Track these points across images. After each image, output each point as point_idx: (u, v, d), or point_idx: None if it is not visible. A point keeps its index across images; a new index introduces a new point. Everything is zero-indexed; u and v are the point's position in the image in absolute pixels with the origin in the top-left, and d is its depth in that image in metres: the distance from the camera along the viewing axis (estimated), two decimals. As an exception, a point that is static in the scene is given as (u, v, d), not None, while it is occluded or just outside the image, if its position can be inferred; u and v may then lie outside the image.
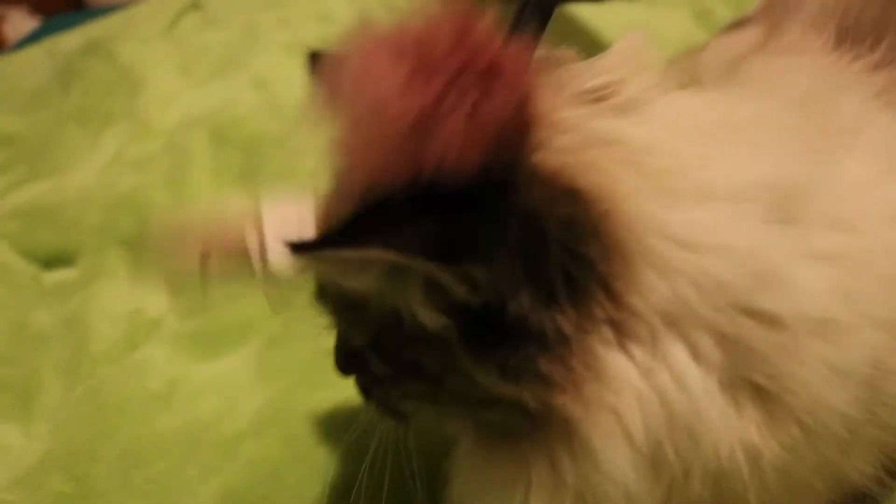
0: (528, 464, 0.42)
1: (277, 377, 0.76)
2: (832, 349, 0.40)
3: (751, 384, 0.40)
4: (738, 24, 0.67)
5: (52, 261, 1.03)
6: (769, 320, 0.39)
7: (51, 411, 0.82)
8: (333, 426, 0.68)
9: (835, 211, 0.42)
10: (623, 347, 0.40)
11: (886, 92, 0.53)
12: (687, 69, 0.57)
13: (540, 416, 0.40)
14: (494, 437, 0.44)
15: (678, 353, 0.40)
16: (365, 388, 0.51)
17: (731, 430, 0.40)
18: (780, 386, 0.39)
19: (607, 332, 0.39)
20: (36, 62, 1.59)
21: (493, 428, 0.44)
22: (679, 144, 0.42)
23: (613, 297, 0.39)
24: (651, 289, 0.39)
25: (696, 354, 0.40)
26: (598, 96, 0.44)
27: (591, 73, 0.44)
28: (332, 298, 0.46)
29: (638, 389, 0.39)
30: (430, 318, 0.40)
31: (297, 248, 0.39)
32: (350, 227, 0.39)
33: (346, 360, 0.51)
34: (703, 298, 0.39)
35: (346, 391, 0.70)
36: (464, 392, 0.42)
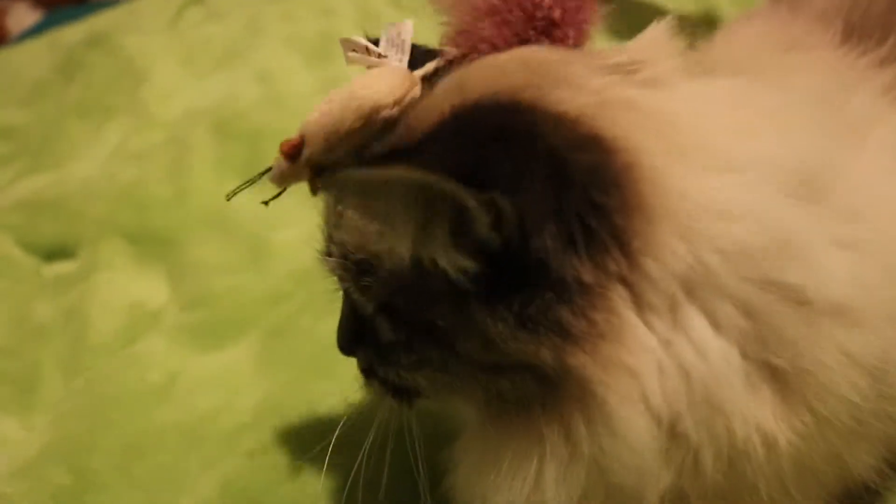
0: (542, 435, 0.41)
1: (277, 370, 0.76)
2: (848, 337, 0.40)
3: (768, 366, 0.40)
4: (744, 20, 0.66)
5: (54, 253, 1.03)
6: (793, 295, 0.39)
7: (51, 404, 0.82)
8: (333, 418, 0.68)
9: (852, 202, 0.43)
10: (640, 314, 0.39)
11: (894, 88, 0.53)
12: (697, 62, 0.57)
13: (555, 379, 0.40)
14: (505, 409, 0.44)
15: (699, 323, 0.39)
16: (368, 368, 0.51)
17: (750, 407, 0.40)
18: (798, 368, 0.39)
19: (624, 293, 0.39)
20: (38, 55, 1.60)
21: (505, 398, 0.43)
22: (702, 118, 0.43)
23: (629, 254, 0.39)
24: (671, 253, 0.39)
25: (718, 325, 0.39)
26: (624, 71, 0.44)
27: (619, 52, 0.45)
28: (349, 260, 0.46)
29: (657, 356, 0.39)
30: (453, 260, 0.40)
31: (331, 171, 0.39)
32: (384, 155, 0.40)
33: (351, 337, 0.51)
34: (728, 266, 0.39)
35: (345, 383, 0.70)
36: (476, 356, 0.42)
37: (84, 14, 1.76)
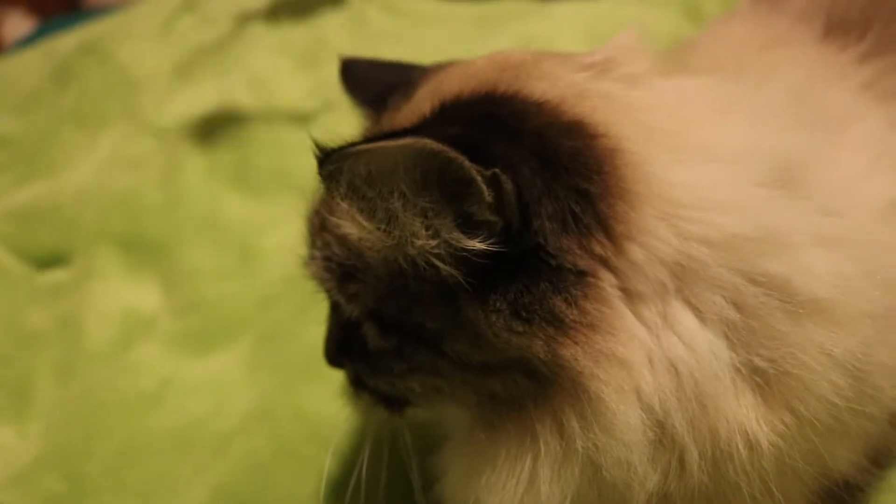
0: (535, 433, 0.41)
1: (268, 374, 0.76)
2: (828, 338, 0.39)
3: (751, 367, 0.40)
4: (726, 17, 0.67)
5: (47, 261, 1.03)
6: (780, 287, 0.39)
7: (44, 411, 0.82)
8: (324, 422, 0.68)
9: (831, 198, 0.43)
10: (630, 304, 0.39)
11: (873, 84, 0.53)
12: (678, 61, 0.57)
13: (547, 374, 0.40)
14: (497, 410, 0.43)
15: (687, 314, 0.39)
16: (356, 379, 0.51)
17: (733, 408, 0.39)
18: (779, 370, 0.39)
19: (613, 281, 0.39)
20: (32, 63, 1.60)
21: (497, 399, 0.43)
22: (680, 112, 0.43)
23: (613, 238, 0.39)
24: (656, 239, 0.39)
25: (706, 317, 0.39)
26: (599, 70, 0.45)
27: (591, 55, 0.46)
28: (333, 262, 0.45)
29: (648, 348, 0.39)
30: (456, 245, 0.39)
31: (342, 149, 0.38)
32: (395, 132, 0.40)
33: (338, 348, 0.50)
34: (717, 257, 0.39)
35: (336, 386, 0.70)
36: (467, 357, 0.42)
37: (78, 22, 1.76)
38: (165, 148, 1.15)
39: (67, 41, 1.62)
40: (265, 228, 0.93)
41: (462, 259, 0.40)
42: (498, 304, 0.39)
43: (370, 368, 0.48)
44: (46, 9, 2.16)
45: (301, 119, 1.08)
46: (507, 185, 0.38)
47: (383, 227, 0.41)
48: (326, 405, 0.69)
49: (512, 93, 0.43)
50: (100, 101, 1.36)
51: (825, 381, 0.40)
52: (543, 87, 0.43)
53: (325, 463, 0.59)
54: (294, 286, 0.83)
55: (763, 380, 0.40)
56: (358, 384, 0.51)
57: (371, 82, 0.55)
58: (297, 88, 1.19)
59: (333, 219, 0.44)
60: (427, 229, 0.40)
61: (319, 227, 0.47)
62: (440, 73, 0.48)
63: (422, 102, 0.46)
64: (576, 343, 0.38)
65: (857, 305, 0.40)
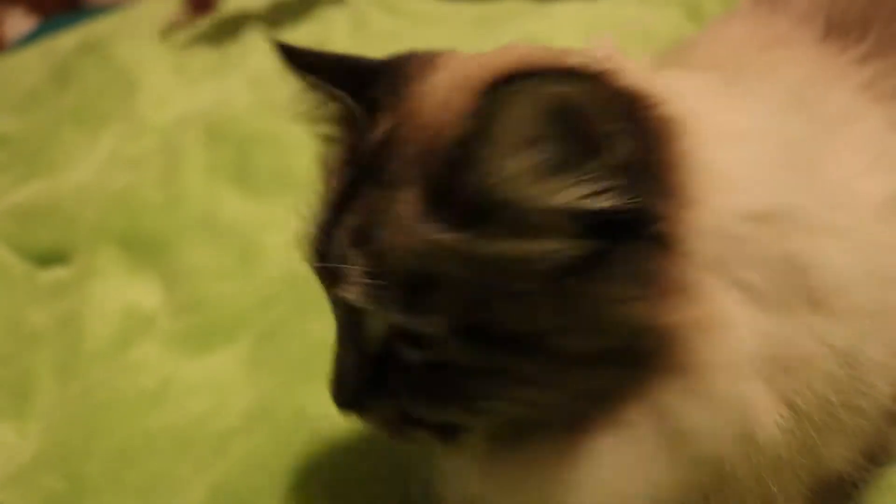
0: (631, 422, 0.39)
1: (268, 373, 0.76)
2: (830, 329, 0.40)
3: (763, 356, 0.39)
4: (725, 18, 0.67)
5: (48, 259, 1.04)
6: (801, 272, 0.39)
7: (44, 410, 0.82)
8: (323, 422, 0.68)
9: (832, 195, 0.43)
10: (708, 273, 0.39)
11: (873, 85, 0.53)
12: (678, 61, 0.58)
13: (648, 351, 0.38)
14: (584, 407, 0.40)
15: (732, 293, 0.39)
16: (401, 418, 0.43)
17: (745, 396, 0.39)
18: (784, 359, 0.39)
19: (691, 248, 0.38)
20: (32, 62, 1.60)
21: (590, 394, 0.40)
22: (688, 97, 0.42)
23: (680, 206, 0.38)
24: (711, 212, 0.38)
25: (745, 298, 0.39)
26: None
27: (575, 53, 0.45)
28: (396, 276, 0.39)
29: (730, 321, 0.38)
30: (587, 205, 0.37)
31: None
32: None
33: (365, 387, 0.44)
34: (756, 235, 0.39)
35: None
36: (571, 348, 0.38)
37: (78, 21, 1.77)
38: (165, 147, 1.15)
39: (67, 40, 1.63)
40: (265, 228, 0.93)
41: (582, 224, 0.38)
42: (603, 274, 0.38)
43: (431, 397, 0.41)
44: (47, 8, 2.16)
45: (301, 119, 1.08)
46: (631, 142, 0.36)
47: (522, 183, 0.37)
48: (326, 404, 0.69)
49: (550, 63, 0.41)
50: (100, 101, 1.37)
51: (823, 374, 0.40)
52: (575, 61, 0.41)
53: (325, 463, 0.60)
54: (294, 285, 0.84)
55: (769, 370, 0.40)
56: (405, 423, 0.44)
57: (332, 65, 0.49)
58: (297, 88, 1.19)
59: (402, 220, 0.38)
60: (562, 185, 0.37)
61: (361, 238, 0.40)
62: (441, 68, 0.46)
63: (447, 99, 0.42)
64: (674, 311, 0.38)
65: (856, 300, 0.41)
